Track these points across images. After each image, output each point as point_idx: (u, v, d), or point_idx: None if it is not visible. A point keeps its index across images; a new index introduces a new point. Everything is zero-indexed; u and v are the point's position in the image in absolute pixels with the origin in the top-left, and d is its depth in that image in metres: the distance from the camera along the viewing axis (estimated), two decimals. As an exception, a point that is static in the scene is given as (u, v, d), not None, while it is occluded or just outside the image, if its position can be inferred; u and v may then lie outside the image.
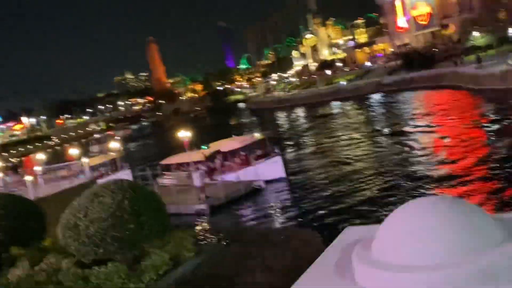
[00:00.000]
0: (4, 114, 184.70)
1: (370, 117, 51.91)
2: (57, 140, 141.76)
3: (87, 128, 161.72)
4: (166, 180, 27.40)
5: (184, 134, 24.25)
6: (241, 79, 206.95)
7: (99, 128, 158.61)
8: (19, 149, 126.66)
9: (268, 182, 24.18)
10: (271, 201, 21.79)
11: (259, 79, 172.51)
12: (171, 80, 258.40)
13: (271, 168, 24.58)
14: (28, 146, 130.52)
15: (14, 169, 23.56)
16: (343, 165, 27.07)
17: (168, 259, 9.24)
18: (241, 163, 25.50)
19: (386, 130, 37.86)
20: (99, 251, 8.91)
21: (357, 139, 37.08)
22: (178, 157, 27.90)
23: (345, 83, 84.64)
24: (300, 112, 79.32)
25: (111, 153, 28.55)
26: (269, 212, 20.01)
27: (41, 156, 31.22)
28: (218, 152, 26.51)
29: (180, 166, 27.50)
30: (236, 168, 24.79)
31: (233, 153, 26.46)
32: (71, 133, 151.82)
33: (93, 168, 26.57)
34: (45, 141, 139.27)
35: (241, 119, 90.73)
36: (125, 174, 28.94)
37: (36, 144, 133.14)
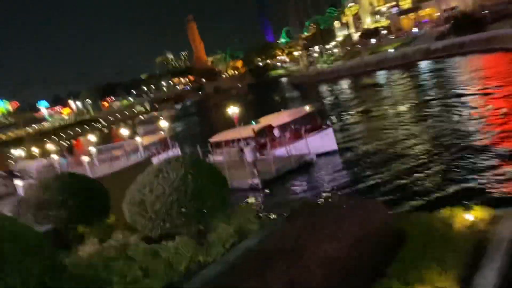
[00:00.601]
0: (52, 99, 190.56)
1: (419, 85, 50.23)
2: (104, 122, 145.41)
3: (132, 109, 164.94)
4: (217, 156, 27.34)
5: (233, 110, 24.10)
6: (281, 54, 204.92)
7: (144, 109, 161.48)
8: (68, 132, 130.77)
9: (319, 155, 23.79)
10: (324, 174, 21.33)
11: (300, 52, 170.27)
12: (211, 58, 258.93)
13: (322, 141, 24.10)
14: (76, 129, 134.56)
15: (69, 150, 24.10)
16: (394, 136, 26.25)
17: (233, 232, 9.19)
18: (292, 137, 25.12)
19: (436, 98, 36.49)
20: (166, 226, 8.92)
21: (406, 108, 35.96)
22: (228, 134, 27.75)
23: (393, 50, 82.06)
24: (344, 83, 77.85)
25: (161, 133, 28.82)
26: (322, 185, 19.62)
27: (92, 137, 31.89)
28: (268, 126, 26.18)
29: (229, 142, 27.39)
30: (286, 142, 24.41)
31: (283, 127, 26.05)
32: (117, 115, 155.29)
33: (144, 147, 26.92)
34: (92, 124, 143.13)
35: (283, 94, 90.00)
36: (175, 153, 29.22)
37: (84, 126, 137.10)
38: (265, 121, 27.32)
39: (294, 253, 7.93)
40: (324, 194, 17.92)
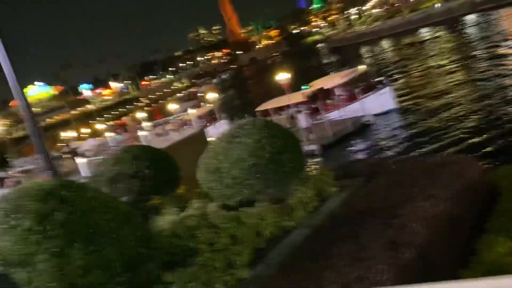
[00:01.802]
0: (92, 81, 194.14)
1: (465, 40, 48.13)
2: (146, 100, 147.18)
3: (172, 87, 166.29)
4: None
5: (282, 76, 23.52)
6: (316, 19, 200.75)
7: (183, 85, 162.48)
8: (112, 112, 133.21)
9: (377, 115, 23.02)
10: (384, 135, 20.60)
11: (336, 16, 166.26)
12: (244, 30, 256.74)
13: (380, 101, 23.22)
14: (120, 109, 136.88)
15: (123, 127, 24.34)
16: (447, 95, 25.13)
17: (313, 196, 8.89)
18: (347, 99, 24.36)
19: (484, 54, 34.68)
20: (244, 192, 8.71)
21: (454, 65, 34.48)
22: (275, 102, 27.15)
23: (439, 5, 78.38)
24: (386, 44, 75.65)
25: (208, 105, 28.65)
26: (384, 146, 18.94)
27: (142, 114, 32.19)
28: (320, 90, 25.42)
29: (279, 110, 26.79)
30: (341, 105, 23.67)
31: (336, 89, 25.25)
32: (157, 93, 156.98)
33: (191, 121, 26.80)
34: (134, 103, 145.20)
35: (321, 60, 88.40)
36: (224, 124, 29.07)
37: (127, 106, 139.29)
38: (316, 84, 26.57)
39: (386, 213, 7.55)
40: (386, 154, 17.40)
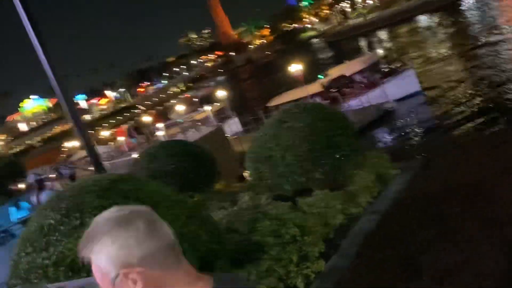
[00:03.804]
0: (88, 91, 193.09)
1: (464, 26, 47.66)
2: (142, 107, 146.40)
3: (168, 92, 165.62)
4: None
5: (296, 68, 22.79)
6: (308, 16, 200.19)
7: (179, 90, 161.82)
8: (110, 121, 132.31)
9: (399, 100, 22.30)
10: (411, 119, 19.88)
11: (328, 11, 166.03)
12: (236, 32, 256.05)
13: (403, 85, 22.46)
14: (117, 117, 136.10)
15: (137, 129, 23.74)
16: (458, 76, 24.62)
17: (374, 180, 8.26)
18: (367, 85, 23.59)
19: (483, 39, 34.10)
20: (300, 180, 8.07)
21: (455, 50, 34.08)
22: (288, 95, 26.27)
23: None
24: (383, 34, 75.18)
25: (216, 104, 28.00)
26: (414, 131, 18.25)
27: (147, 118, 31.59)
28: (340, 78, 24.61)
29: (293, 103, 25.55)
30: (361, 93, 22.91)
31: (356, 76, 24.44)
32: (154, 99, 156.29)
33: (202, 120, 26.16)
34: (131, 110, 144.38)
35: (317, 55, 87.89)
36: (235, 122, 28.42)
37: (125, 114, 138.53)
38: (334, 72, 25.80)
39: (472, 190, 6.92)
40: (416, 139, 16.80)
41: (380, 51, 25.95)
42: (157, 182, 6.17)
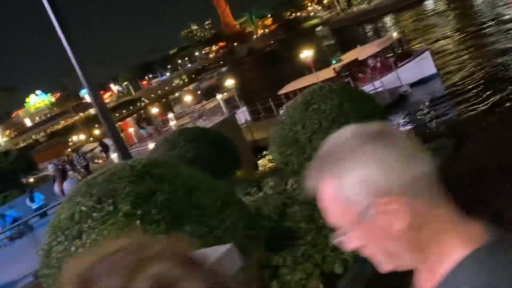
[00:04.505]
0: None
1: (473, 8, 47.07)
2: (146, 100, 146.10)
3: (173, 84, 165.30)
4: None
5: (306, 54, 22.40)
6: (312, 4, 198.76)
7: (183, 82, 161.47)
8: (115, 115, 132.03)
9: (414, 84, 21.89)
10: (428, 103, 19.49)
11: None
12: (238, 22, 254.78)
13: (419, 67, 22.00)
14: (123, 111, 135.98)
15: (147, 120, 23.48)
16: (478, 60, 24.25)
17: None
18: (382, 69, 23.14)
19: (486, 27, 33.59)
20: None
21: (465, 34, 33.66)
22: (300, 82, 25.78)
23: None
24: (387, 20, 74.56)
25: (224, 94, 27.61)
26: (430, 115, 17.88)
27: (155, 110, 31.35)
28: (354, 62, 24.15)
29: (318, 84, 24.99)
30: (377, 77, 22.46)
31: (370, 60, 23.97)
32: (159, 92, 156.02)
33: (210, 109, 25.88)
34: (137, 103, 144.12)
35: (323, 43, 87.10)
36: (243, 111, 28.07)
37: (130, 107, 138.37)
38: (348, 57, 25.37)
39: (500, 170, 6.70)
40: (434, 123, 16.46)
41: (394, 34, 25.35)
42: (188, 166, 5.94)
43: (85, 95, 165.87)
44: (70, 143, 53.00)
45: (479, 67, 22.35)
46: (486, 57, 23.87)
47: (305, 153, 7.91)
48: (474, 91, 18.17)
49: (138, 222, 4.74)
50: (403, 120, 17.58)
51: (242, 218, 5.60)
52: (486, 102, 15.85)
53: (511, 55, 22.46)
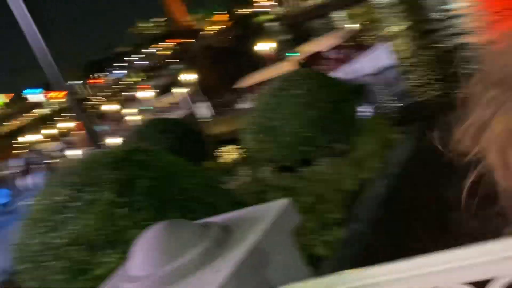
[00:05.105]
0: (45, 85, 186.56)
1: (418, 4, 48.57)
2: (96, 99, 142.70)
3: (126, 82, 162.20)
4: (246, 104, 25.18)
5: (265, 46, 22.34)
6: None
7: (137, 80, 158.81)
8: (61, 114, 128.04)
9: (374, 74, 22.27)
10: (387, 91, 19.93)
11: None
12: (192, 18, 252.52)
13: (377, 58, 22.43)
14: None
15: (100, 116, 22.83)
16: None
17: (379, 145, 8.08)
18: (341, 60, 23.36)
19: (436, 17, 34.68)
20: (305, 149, 7.80)
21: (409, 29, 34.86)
22: (259, 75, 25.70)
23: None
24: (341, 14, 75.58)
25: (185, 89, 27.18)
26: (391, 102, 18.30)
27: (112, 106, 30.66)
28: (316, 54, 24.24)
29: (266, 82, 24.71)
30: (336, 68, 22.59)
31: (330, 52, 24.18)
32: (108, 90, 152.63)
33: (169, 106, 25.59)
34: (85, 103, 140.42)
35: (279, 37, 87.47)
36: (205, 105, 27.78)
37: (83, 105, 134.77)
38: (308, 49, 25.45)
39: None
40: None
41: (353, 26, 25.75)
42: (170, 153, 5.77)
43: (28, 95, 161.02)
44: (24, 144, 51.34)
45: (433, 56, 23.06)
46: (437, 46, 24.68)
47: (281, 140, 7.85)
48: (430, 77, 18.82)
49: (126, 209, 4.56)
50: (367, 109, 17.88)
51: (228, 204, 5.48)
52: (442, 88, 16.43)
53: (458, 44, 23.33)
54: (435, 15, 34.57)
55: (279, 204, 1.99)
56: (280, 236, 1.92)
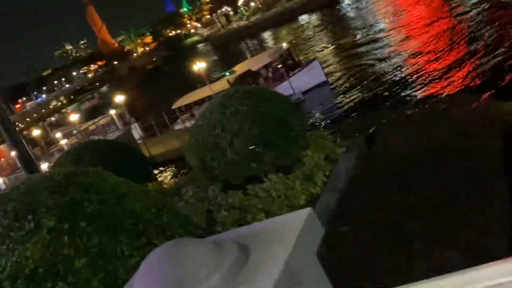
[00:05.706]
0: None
1: (342, 23, 50.69)
2: (21, 125, 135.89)
3: (49, 106, 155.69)
4: (184, 123, 24.83)
5: (199, 66, 22.10)
6: (190, 21, 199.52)
7: (60, 104, 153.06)
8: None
9: (306, 92, 22.57)
10: (320, 109, 20.33)
11: (209, 16, 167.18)
12: (116, 40, 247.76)
13: (310, 76, 22.72)
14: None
15: (32, 142, 21.49)
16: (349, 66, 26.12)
17: (324, 159, 8.05)
18: (275, 79, 23.50)
19: (359, 37, 36.39)
20: (252, 165, 7.60)
21: (341, 43, 36.26)
22: (194, 95, 25.32)
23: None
24: (267, 35, 77.35)
25: (114, 111, 26.24)
26: (323, 119, 18.64)
27: (36, 131, 29.03)
28: (247, 73, 24.19)
29: (201, 102, 24.50)
30: (270, 86, 22.67)
31: (263, 70, 24.22)
32: (34, 115, 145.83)
33: (101, 126, 24.61)
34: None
35: (206, 59, 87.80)
36: (135, 127, 27.01)
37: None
38: (240, 68, 25.43)
39: (410, 159, 6.99)
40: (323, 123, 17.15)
41: (283, 45, 26.16)
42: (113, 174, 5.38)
43: None
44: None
45: (361, 72, 24.06)
46: (363, 63, 25.81)
47: (226, 157, 7.62)
48: (360, 93, 19.55)
49: (65, 238, 4.15)
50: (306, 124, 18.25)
51: (181, 225, 5.18)
52: (374, 101, 17.11)
53: (384, 60, 24.55)
54: (361, 34, 36.26)
55: (302, 215, 1.77)
56: (307, 252, 1.68)
